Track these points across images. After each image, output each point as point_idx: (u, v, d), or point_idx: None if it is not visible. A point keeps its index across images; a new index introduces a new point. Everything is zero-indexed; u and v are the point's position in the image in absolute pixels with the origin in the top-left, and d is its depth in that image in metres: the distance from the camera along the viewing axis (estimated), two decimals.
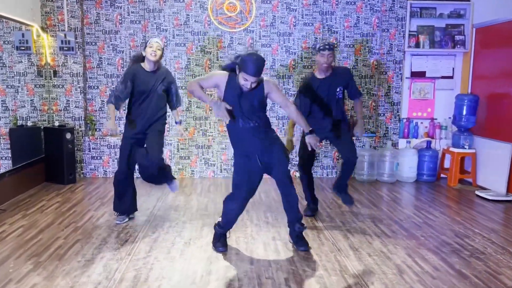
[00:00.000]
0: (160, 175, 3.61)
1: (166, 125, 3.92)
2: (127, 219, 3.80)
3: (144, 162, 3.55)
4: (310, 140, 3.06)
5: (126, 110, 3.70)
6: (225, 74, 2.99)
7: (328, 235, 3.55)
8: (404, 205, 4.54)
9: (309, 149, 3.15)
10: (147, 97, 3.57)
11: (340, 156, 4.23)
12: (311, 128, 3.08)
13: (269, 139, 3.06)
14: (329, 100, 3.81)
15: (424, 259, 3.08)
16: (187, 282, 2.67)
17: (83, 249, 3.17)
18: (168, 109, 3.81)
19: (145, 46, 3.54)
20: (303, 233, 3.25)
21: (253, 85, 2.87)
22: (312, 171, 4.11)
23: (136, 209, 3.92)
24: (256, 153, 3.02)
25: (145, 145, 3.63)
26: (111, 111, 3.55)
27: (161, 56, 3.57)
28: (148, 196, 4.62)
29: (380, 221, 3.94)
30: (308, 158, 3.98)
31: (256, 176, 3.09)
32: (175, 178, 3.80)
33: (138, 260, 2.99)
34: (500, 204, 4.59)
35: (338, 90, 3.83)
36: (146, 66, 3.58)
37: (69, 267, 2.84)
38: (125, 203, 3.77)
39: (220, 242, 3.19)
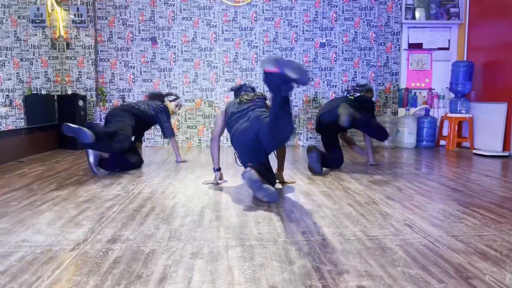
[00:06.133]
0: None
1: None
2: None
3: None
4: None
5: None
6: None
7: (332, 173, 3.74)
8: (403, 159, 4.73)
9: None
10: None
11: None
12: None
13: None
14: None
15: (422, 183, 3.27)
16: (201, 193, 2.86)
17: (100, 179, 3.36)
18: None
19: (175, 101, 4.39)
20: None
21: None
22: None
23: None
24: None
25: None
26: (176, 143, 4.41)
27: None
28: (155, 156, 4.82)
29: (381, 166, 4.13)
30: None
31: None
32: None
33: (153, 184, 3.18)
34: (497, 160, 4.77)
35: None
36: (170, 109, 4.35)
37: (89, 188, 3.04)
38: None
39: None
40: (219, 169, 3.23)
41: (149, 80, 5.85)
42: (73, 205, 2.52)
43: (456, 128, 5.62)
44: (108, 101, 5.86)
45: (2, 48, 5.65)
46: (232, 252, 1.74)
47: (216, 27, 5.88)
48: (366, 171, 3.83)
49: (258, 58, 5.91)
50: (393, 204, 2.58)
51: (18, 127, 4.74)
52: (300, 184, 3.21)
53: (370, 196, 2.79)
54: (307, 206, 2.52)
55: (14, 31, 5.62)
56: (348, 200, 2.68)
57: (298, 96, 5.97)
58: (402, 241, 1.88)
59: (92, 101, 5.71)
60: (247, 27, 5.89)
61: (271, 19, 5.91)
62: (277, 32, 5.93)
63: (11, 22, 5.61)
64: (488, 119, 5.37)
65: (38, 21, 5.50)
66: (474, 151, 5.20)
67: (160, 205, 2.55)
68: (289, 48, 5.96)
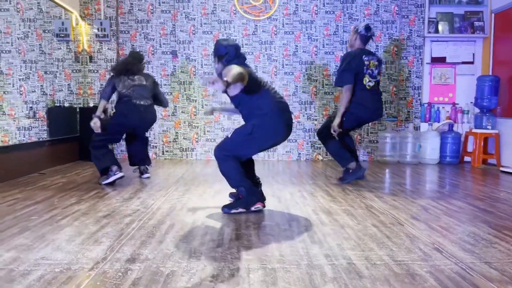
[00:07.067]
0: None
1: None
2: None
3: None
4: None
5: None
6: None
7: (353, 189, 3.65)
8: (426, 176, 4.60)
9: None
10: None
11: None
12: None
13: None
14: None
15: (448, 202, 3.15)
16: (220, 210, 2.82)
17: (120, 193, 3.36)
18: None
19: None
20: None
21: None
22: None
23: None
24: None
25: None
26: None
27: None
28: (174, 169, 4.82)
29: (404, 184, 4.02)
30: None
31: None
32: None
33: (172, 199, 3.16)
34: None
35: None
36: None
37: (109, 202, 3.03)
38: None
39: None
40: None
41: (169, 93, 5.88)
42: (92, 220, 2.51)
43: (482, 144, 5.45)
44: None
45: (27, 61, 5.78)
46: (254, 275, 1.68)
47: (236, 40, 5.88)
48: (388, 188, 3.73)
49: (278, 71, 5.89)
50: (419, 225, 2.48)
51: (41, 139, 4.81)
52: (321, 202, 3.13)
53: (394, 216, 2.70)
54: (329, 226, 2.45)
55: (39, 44, 5.75)
56: (372, 220, 2.59)
57: (317, 110, 5.91)
58: (432, 267, 1.79)
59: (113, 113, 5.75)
60: (267, 40, 5.89)
61: (291, 32, 5.89)
62: (297, 46, 5.91)
63: (36, 36, 5.74)
64: None
65: (62, 35, 5.61)
66: (501, 168, 5.03)
67: (180, 222, 2.52)
68: (309, 62, 5.92)
